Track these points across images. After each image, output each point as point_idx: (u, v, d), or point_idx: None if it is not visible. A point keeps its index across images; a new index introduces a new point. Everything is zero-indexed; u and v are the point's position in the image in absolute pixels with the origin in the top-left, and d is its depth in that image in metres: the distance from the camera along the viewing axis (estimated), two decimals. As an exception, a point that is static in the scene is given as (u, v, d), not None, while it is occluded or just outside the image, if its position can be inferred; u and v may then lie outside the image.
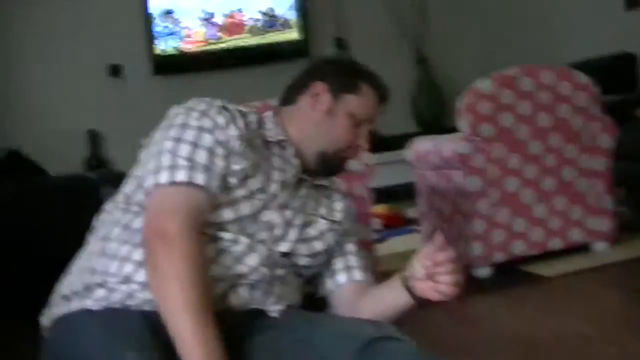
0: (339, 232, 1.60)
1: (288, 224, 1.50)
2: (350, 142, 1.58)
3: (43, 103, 6.17)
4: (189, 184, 1.41)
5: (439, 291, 1.42)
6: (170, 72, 6.47)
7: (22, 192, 3.59)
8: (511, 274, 2.99)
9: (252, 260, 1.43)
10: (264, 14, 6.63)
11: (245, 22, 6.61)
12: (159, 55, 6.40)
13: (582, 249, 3.26)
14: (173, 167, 1.42)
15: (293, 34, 6.77)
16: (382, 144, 5.54)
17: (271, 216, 1.48)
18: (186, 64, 6.52)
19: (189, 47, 6.46)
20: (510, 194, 3.07)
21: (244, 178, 1.45)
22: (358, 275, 1.62)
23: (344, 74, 1.61)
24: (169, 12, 6.34)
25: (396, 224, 4.09)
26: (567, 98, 3.15)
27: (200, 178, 1.41)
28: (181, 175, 1.41)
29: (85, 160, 6.22)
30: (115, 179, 5.49)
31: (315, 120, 1.56)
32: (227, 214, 1.44)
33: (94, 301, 1.42)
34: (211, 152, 1.44)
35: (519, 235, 3.10)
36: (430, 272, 1.41)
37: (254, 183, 1.46)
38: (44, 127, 6.09)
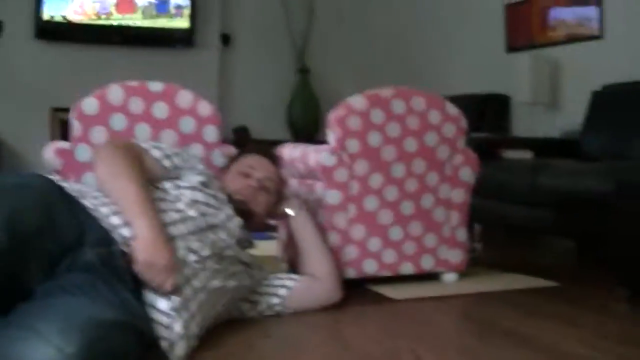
0: None
1: None
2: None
3: None
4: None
5: None
6: (53, 39, 6.34)
7: None
8: (360, 291, 3.00)
9: None
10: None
11: (138, 3, 6.54)
12: (45, 20, 6.28)
13: (432, 276, 3.32)
14: None
15: (183, 23, 6.73)
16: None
17: None
18: (71, 33, 6.42)
19: (78, 17, 6.36)
20: (368, 212, 3.09)
21: None
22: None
23: None
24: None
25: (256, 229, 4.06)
26: (436, 126, 3.20)
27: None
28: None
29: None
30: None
31: None
32: None
33: None
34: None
35: (373, 254, 3.12)
36: None
37: None
38: None
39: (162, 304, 1.92)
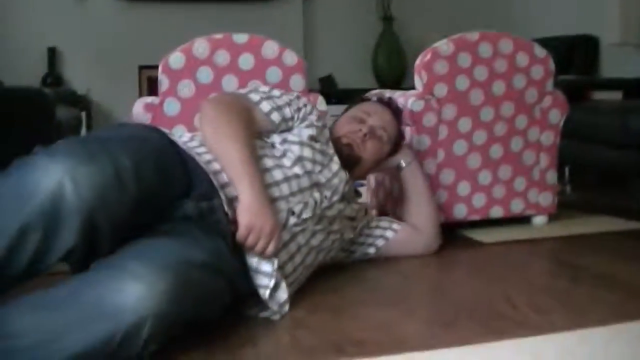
0: None
1: None
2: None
3: (8, 16, 6.11)
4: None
5: None
6: (136, -1, 6.43)
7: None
8: (449, 236, 3.00)
9: None
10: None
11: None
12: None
13: (521, 220, 3.30)
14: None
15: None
16: (338, 96, 5.54)
17: None
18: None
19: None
20: (457, 156, 3.09)
21: None
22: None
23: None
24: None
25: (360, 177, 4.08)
26: (524, 69, 3.16)
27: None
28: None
29: (42, 78, 6.18)
30: (69, 98, 5.41)
31: None
32: None
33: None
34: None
35: (462, 199, 3.12)
36: None
37: None
38: (7, 39, 6.02)
39: (264, 266, 1.93)
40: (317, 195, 2.18)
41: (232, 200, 1.92)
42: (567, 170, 4.18)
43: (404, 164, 2.71)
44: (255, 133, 2.17)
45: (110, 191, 1.55)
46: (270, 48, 2.90)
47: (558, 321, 1.96)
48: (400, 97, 3.02)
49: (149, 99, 2.87)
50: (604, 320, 1.95)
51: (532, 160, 3.24)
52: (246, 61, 2.87)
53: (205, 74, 2.84)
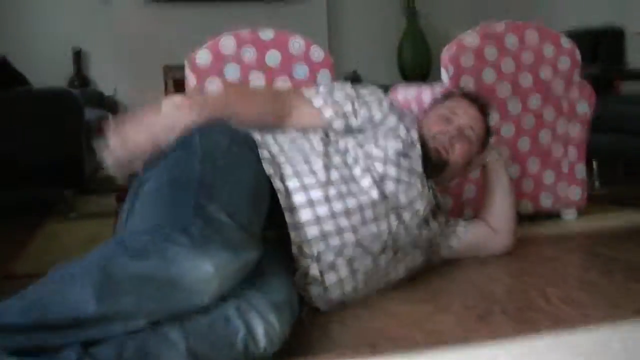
0: None
1: None
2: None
3: (34, 17, 6.16)
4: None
5: None
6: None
7: (7, 99, 3.57)
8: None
9: None
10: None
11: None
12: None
13: (551, 214, 3.27)
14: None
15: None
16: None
17: None
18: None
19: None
20: (485, 150, 3.06)
21: None
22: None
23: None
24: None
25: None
26: (550, 60, 3.13)
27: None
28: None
29: (69, 79, 6.24)
30: (96, 99, 5.44)
31: None
32: None
33: None
34: None
35: (490, 193, 3.09)
36: None
37: None
38: (33, 41, 6.09)
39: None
40: (394, 223, 2.06)
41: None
42: (595, 164, 4.14)
43: (489, 161, 2.60)
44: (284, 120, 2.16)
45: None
46: (297, 44, 2.90)
47: (592, 314, 1.95)
48: (427, 91, 3.00)
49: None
50: (638, 312, 1.94)
51: (561, 154, 3.21)
52: (273, 57, 2.87)
53: (232, 71, 2.84)
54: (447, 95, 2.59)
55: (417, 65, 6.92)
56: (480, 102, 2.50)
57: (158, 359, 1.42)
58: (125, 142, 1.83)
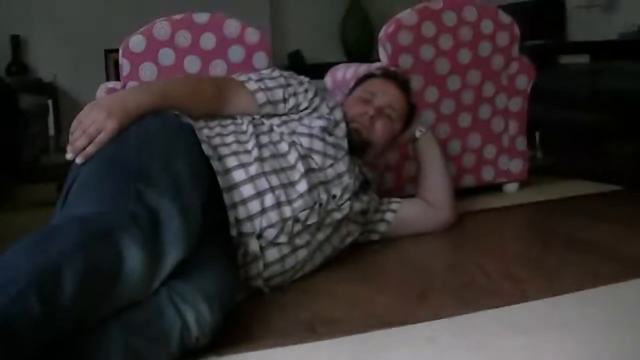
0: None
1: None
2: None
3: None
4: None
5: None
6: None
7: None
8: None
9: None
10: None
11: None
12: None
13: (493, 188, 3.30)
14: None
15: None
16: (306, 71, 5.50)
17: None
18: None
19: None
20: (425, 127, 3.06)
21: None
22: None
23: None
24: None
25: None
26: (489, 36, 3.13)
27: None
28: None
29: (6, 66, 6.12)
30: (35, 86, 5.33)
31: None
32: None
33: None
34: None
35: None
36: None
37: None
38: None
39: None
40: (324, 196, 2.08)
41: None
42: (537, 136, 4.17)
43: (417, 135, 2.62)
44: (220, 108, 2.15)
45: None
46: (232, 26, 2.86)
47: (532, 288, 1.95)
48: (363, 68, 2.99)
49: (111, 84, 2.83)
50: (577, 285, 1.95)
51: (501, 127, 3.23)
52: (208, 41, 2.83)
53: (167, 56, 2.80)
54: (366, 76, 2.62)
55: (361, 44, 6.92)
56: (400, 80, 2.54)
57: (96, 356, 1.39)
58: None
